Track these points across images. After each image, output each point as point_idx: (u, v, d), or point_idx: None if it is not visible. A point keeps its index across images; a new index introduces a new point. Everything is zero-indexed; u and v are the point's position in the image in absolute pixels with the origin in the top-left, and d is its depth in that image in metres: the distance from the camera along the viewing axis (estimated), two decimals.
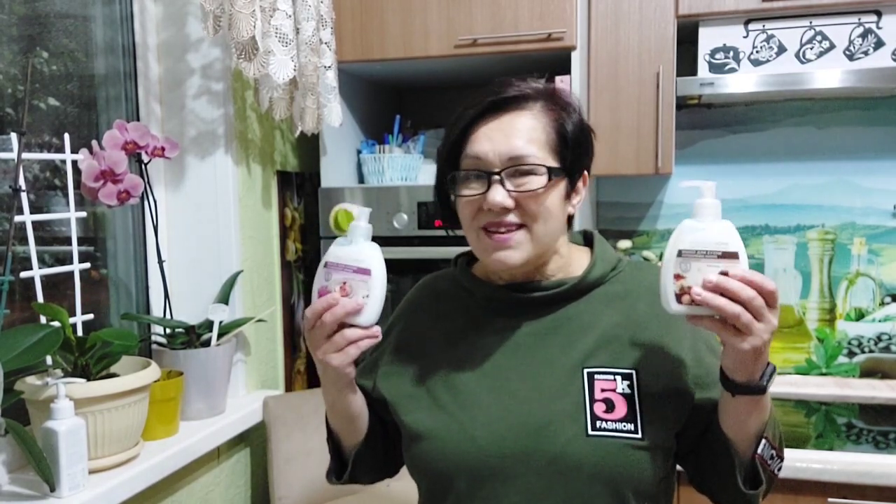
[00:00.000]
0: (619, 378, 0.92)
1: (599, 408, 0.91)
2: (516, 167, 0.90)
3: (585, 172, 0.99)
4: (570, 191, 0.96)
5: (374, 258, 0.89)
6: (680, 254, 0.81)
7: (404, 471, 1.11)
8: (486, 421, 0.93)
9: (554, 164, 0.92)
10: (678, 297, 0.81)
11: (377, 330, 0.89)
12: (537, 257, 0.95)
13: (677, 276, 0.81)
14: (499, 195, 0.90)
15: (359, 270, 0.88)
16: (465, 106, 0.95)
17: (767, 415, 0.87)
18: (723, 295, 0.78)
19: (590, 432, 0.89)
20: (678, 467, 1.00)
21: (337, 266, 0.89)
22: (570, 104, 0.96)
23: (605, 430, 0.89)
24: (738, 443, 0.89)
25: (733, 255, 0.79)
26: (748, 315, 0.77)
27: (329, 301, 0.87)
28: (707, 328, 0.81)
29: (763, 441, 0.87)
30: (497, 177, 0.90)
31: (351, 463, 1.05)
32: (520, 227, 0.92)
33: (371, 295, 0.87)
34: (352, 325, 0.88)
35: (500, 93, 0.93)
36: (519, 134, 0.91)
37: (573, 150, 0.94)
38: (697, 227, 0.81)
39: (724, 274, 0.78)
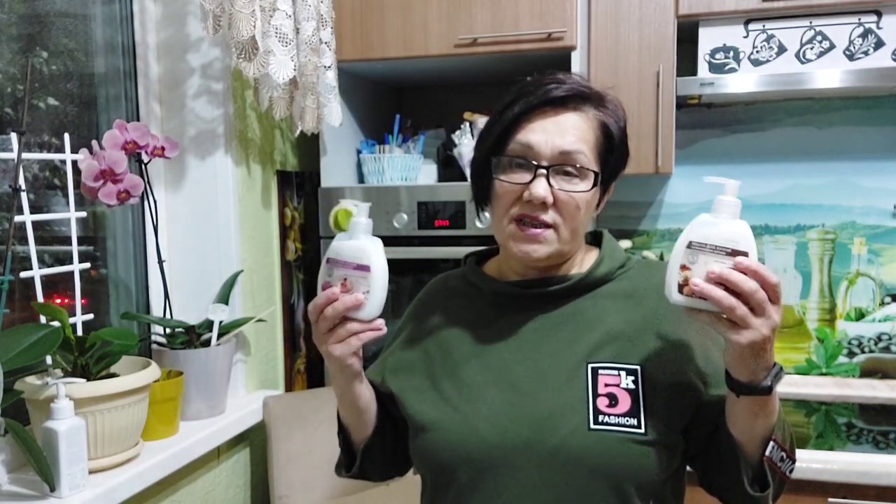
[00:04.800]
0: (623, 373, 0.92)
1: (602, 402, 0.91)
2: (564, 165, 0.92)
3: (613, 182, 1.02)
4: (601, 197, 0.99)
5: (375, 254, 0.89)
6: (689, 245, 0.81)
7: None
8: (490, 413, 0.93)
9: (598, 169, 0.94)
10: (680, 288, 0.81)
11: (379, 322, 0.91)
12: (559, 256, 0.97)
13: (683, 267, 0.81)
14: (542, 188, 0.91)
15: (359, 267, 0.89)
16: (520, 93, 0.95)
17: (775, 417, 0.86)
18: (725, 288, 0.77)
19: (592, 426, 0.89)
20: (688, 468, 1.00)
21: (338, 262, 0.90)
22: (618, 111, 0.98)
23: (607, 424, 0.89)
24: (746, 444, 0.88)
25: (742, 255, 0.78)
26: (744, 308, 0.77)
27: (329, 296, 0.88)
28: (703, 322, 0.81)
29: (771, 443, 0.86)
30: (544, 170, 0.91)
31: (360, 456, 1.06)
32: (549, 226, 0.93)
33: (371, 291, 0.88)
34: (353, 319, 0.89)
35: (558, 88, 0.94)
36: (572, 131, 0.93)
37: (616, 156, 0.97)
38: (712, 222, 0.81)
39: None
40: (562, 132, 0.92)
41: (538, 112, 0.94)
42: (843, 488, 1.50)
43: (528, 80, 0.97)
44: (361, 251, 0.89)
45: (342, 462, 1.10)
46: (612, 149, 0.96)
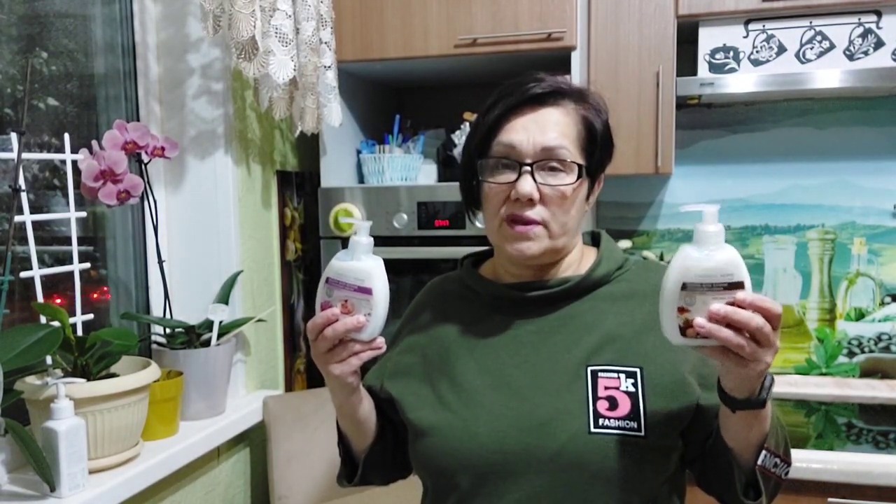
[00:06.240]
0: (622, 376, 0.92)
1: (602, 405, 0.90)
2: (548, 160, 0.92)
3: (601, 175, 1.01)
4: (590, 191, 0.99)
5: (376, 276, 0.88)
6: (684, 287, 0.77)
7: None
8: (489, 418, 0.93)
9: (582, 161, 0.94)
10: (682, 331, 0.78)
11: (380, 341, 0.90)
12: (554, 252, 0.96)
13: (681, 310, 0.78)
14: (528, 185, 0.91)
15: (360, 289, 0.87)
16: (501, 95, 0.96)
17: (768, 425, 0.86)
18: (729, 325, 0.75)
19: (592, 430, 0.89)
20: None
21: (338, 283, 0.88)
22: (600, 105, 0.99)
23: (607, 427, 0.89)
24: (740, 453, 0.88)
25: (739, 286, 0.76)
26: (753, 345, 0.75)
27: (328, 317, 0.87)
28: (710, 357, 0.79)
29: (763, 452, 0.86)
30: (528, 167, 0.92)
31: (361, 466, 1.05)
32: (538, 223, 0.93)
33: (373, 313, 0.87)
34: (354, 340, 0.88)
35: (536, 86, 0.94)
36: (554, 127, 0.93)
37: (600, 149, 0.97)
38: (701, 258, 0.77)
39: (731, 303, 0.75)
40: (542, 129, 0.93)
41: (518, 111, 0.94)
42: (843, 488, 1.50)
43: (508, 82, 0.97)
44: (363, 273, 0.87)
45: (343, 472, 1.09)
46: (596, 142, 0.96)
